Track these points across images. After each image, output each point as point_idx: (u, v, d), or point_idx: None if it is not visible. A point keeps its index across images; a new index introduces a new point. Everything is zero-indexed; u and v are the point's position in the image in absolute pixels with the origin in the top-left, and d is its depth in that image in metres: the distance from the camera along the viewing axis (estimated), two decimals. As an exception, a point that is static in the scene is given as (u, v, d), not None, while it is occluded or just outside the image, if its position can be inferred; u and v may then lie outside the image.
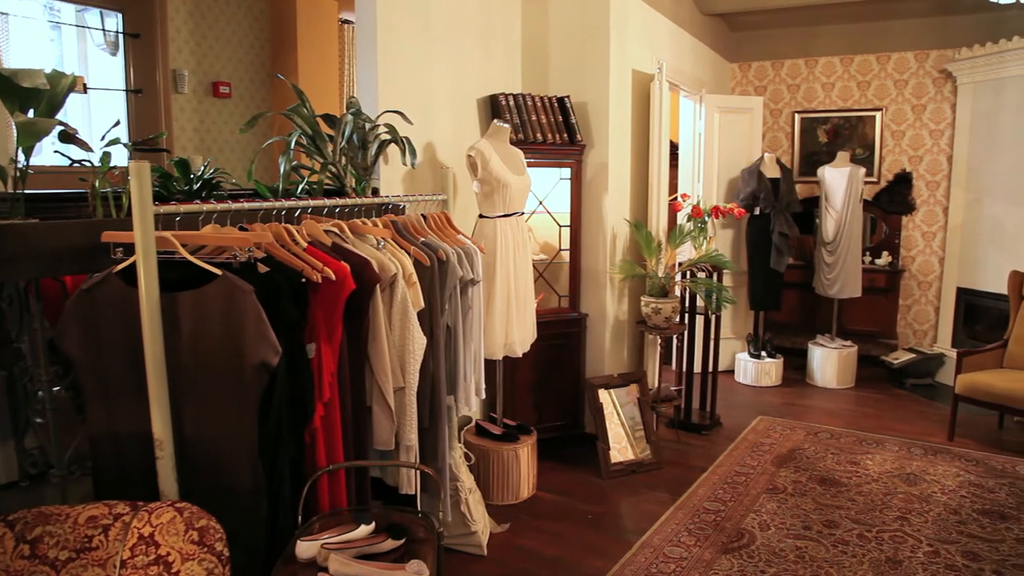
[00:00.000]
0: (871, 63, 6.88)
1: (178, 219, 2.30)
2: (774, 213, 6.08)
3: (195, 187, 2.74)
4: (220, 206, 2.41)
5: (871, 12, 6.46)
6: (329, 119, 3.25)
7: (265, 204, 2.61)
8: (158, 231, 2.15)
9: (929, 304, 6.68)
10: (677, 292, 4.95)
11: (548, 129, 4.51)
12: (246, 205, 2.52)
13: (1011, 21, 5.69)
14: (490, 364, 3.91)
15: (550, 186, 4.69)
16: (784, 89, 7.29)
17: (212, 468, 2.22)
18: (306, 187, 3.15)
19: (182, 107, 5.07)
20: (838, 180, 6.21)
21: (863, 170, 6.35)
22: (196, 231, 2.35)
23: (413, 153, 3.38)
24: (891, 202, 6.82)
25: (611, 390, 4.61)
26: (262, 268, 2.30)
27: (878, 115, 6.88)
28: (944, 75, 6.51)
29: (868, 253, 6.83)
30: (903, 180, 6.76)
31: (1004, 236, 5.82)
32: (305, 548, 2.19)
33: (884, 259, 6.80)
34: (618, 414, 4.57)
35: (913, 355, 6.22)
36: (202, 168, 2.81)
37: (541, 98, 4.58)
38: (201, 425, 2.21)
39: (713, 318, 5.21)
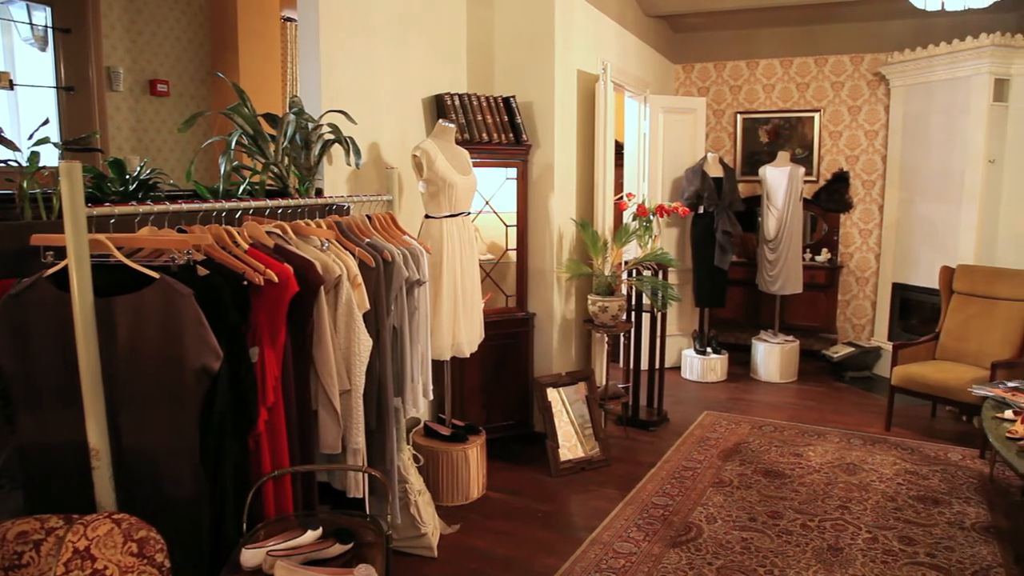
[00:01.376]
0: (809, 66, 7.06)
1: (112, 221, 2.23)
2: (717, 212, 6.20)
3: (131, 188, 2.66)
4: (157, 208, 2.35)
5: (809, 16, 6.63)
6: (271, 118, 3.19)
7: (205, 205, 2.54)
8: (91, 233, 2.08)
9: (866, 299, 6.89)
10: (623, 290, 5.00)
11: (494, 129, 4.51)
12: (185, 207, 2.46)
13: (938, 27, 5.91)
14: (438, 365, 3.89)
15: (496, 186, 4.69)
16: (727, 90, 7.43)
17: (152, 477, 2.15)
18: (247, 188, 3.09)
19: (117, 105, 4.92)
20: (779, 179, 6.36)
21: (803, 169, 6.51)
22: (132, 233, 2.28)
23: (358, 153, 3.35)
24: (829, 200, 7.01)
25: (560, 388, 4.64)
26: (202, 271, 2.24)
27: (816, 116, 7.07)
28: (878, 78, 6.72)
29: (808, 250, 7.01)
30: (841, 179, 6.96)
31: (935, 233, 6.04)
32: (250, 556, 2.15)
33: (823, 256, 6.99)
34: (567, 412, 4.60)
35: (852, 349, 6.41)
36: (138, 169, 2.73)
37: (487, 98, 4.58)
38: (140, 433, 2.15)
39: (659, 316, 5.28)
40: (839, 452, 4.75)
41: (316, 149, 3.29)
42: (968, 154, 5.67)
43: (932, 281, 5.68)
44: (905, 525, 3.75)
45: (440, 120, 3.98)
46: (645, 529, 3.73)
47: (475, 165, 4.04)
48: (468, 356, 3.94)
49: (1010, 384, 4.26)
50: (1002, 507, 3.97)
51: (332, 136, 3.30)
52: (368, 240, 3.03)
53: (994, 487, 4.24)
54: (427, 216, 3.81)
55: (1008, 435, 3.59)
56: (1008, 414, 3.82)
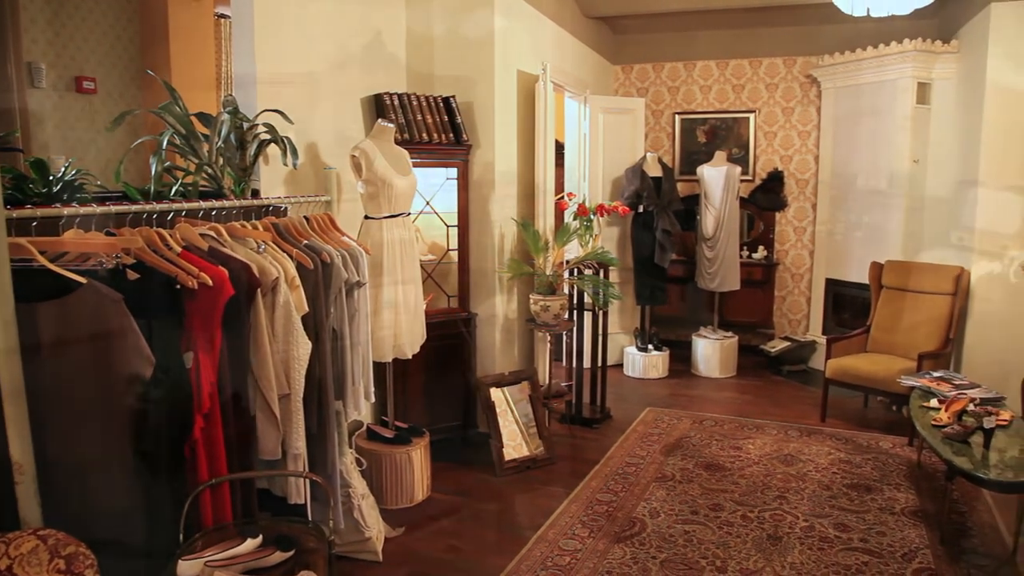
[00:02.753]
0: (745, 67, 7.22)
1: (35, 224, 2.14)
2: (657, 211, 6.29)
3: (55, 189, 2.56)
4: (83, 210, 2.27)
5: (744, 20, 6.79)
6: (204, 118, 3.11)
7: (134, 207, 2.47)
8: (12, 237, 2.00)
9: (801, 295, 7.09)
10: (565, 289, 5.03)
11: (434, 129, 4.49)
12: (113, 208, 2.38)
13: (866, 32, 6.11)
14: (380, 367, 3.86)
15: (437, 186, 4.67)
16: (665, 91, 7.54)
17: (82, 489, 2.08)
18: (180, 189, 3.01)
19: (40, 103, 4.72)
20: (716, 178, 6.49)
21: (739, 169, 6.66)
22: (56, 237, 2.20)
23: (295, 153, 3.29)
24: (765, 199, 7.18)
25: (503, 388, 4.64)
26: (132, 275, 2.17)
27: (752, 117, 7.24)
28: (810, 80, 6.92)
29: (745, 248, 7.17)
30: (776, 178, 7.14)
31: (865, 230, 6.25)
32: (187, 567, 2.09)
33: (760, 253, 7.16)
34: (511, 412, 4.61)
35: (788, 343, 6.58)
36: (63, 169, 2.63)
37: (426, 97, 4.55)
38: (69, 444, 2.07)
39: (600, 314, 5.33)
40: (777, 444, 4.87)
41: (251, 149, 3.22)
42: (894, 154, 5.88)
43: (863, 277, 5.88)
44: (840, 512, 3.87)
45: (379, 120, 3.94)
46: (590, 525, 3.76)
47: (415, 165, 4.01)
48: (410, 357, 3.91)
49: (935, 374, 4.44)
50: (928, 491, 4.13)
51: (268, 136, 3.24)
52: (306, 242, 2.98)
53: (921, 473, 4.40)
54: (367, 217, 3.77)
55: (933, 423, 3.74)
56: (933, 403, 3.98)
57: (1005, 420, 3.67)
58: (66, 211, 2.21)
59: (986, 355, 5.11)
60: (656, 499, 4.06)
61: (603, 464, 4.59)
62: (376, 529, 3.48)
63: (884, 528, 3.69)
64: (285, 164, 3.29)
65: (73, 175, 2.63)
